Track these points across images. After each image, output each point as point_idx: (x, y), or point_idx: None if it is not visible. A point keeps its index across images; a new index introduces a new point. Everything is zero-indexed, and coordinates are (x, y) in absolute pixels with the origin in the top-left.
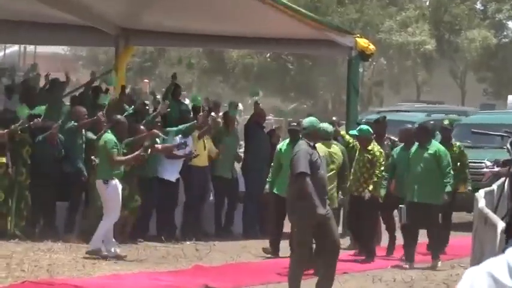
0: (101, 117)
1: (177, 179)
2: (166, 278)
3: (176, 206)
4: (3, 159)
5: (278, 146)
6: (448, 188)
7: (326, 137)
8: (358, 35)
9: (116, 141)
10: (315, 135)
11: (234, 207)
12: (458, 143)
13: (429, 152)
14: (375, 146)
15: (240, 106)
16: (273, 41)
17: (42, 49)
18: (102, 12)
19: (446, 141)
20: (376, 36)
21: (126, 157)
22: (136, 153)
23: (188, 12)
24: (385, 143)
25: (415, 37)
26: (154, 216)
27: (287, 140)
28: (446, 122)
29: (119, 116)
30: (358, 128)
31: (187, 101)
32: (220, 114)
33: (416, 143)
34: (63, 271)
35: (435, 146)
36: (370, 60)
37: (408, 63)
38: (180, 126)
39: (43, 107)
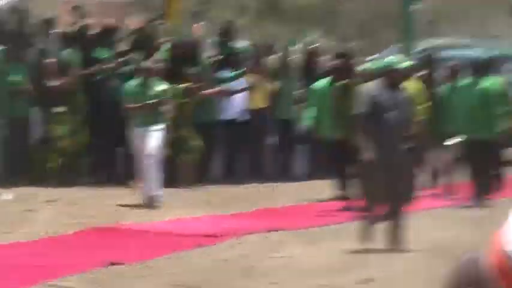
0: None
1: (245, 120)
2: (230, 222)
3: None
4: (64, 109)
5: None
6: (504, 126)
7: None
8: None
9: (134, 88)
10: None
11: (294, 149)
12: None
13: (481, 86)
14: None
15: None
16: None
17: None
18: None
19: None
20: None
21: (135, 106)
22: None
23: None
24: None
25: None
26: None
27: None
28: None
29: (148, 63)
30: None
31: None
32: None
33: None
34: (129, 216)
35: (489, 80)
36: None
37: None
38: (231, 74)
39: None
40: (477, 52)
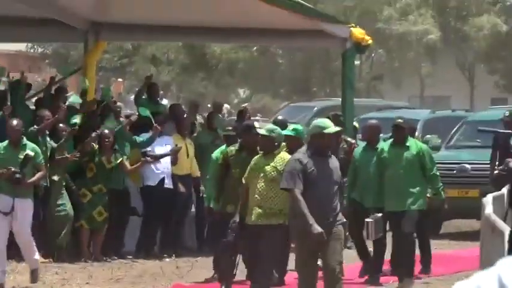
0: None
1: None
2: None
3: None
4: None
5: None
6: (442, 195)
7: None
8: (354, 25)
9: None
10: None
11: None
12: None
13: (410, 151)
14: None
15: (226, 107)
16: (260, 33)
17: (4, 46)
18: (69, 5)
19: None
20: (374, 26)
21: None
22: None
23: (165, 2)
24: (341, 145)
25: (418, 26)
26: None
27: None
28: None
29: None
30: (292, 128)
31: (165, 101)
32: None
33: (382, 142)
34: None
35: (416, 143)
36: (366, 52)
37: (410, 55)
38: (143, 139)
39: None
40: (423, 114)
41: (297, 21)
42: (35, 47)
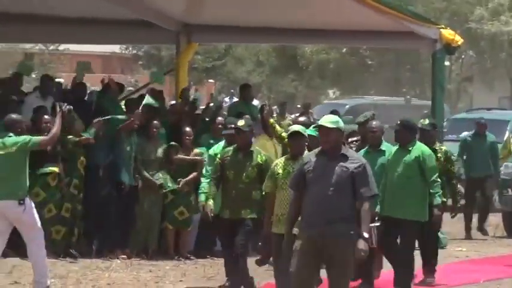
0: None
1: None
2: None
3: None
4: (56, 169)
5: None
6: (437, 200)
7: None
8: (443, 26)
9: None
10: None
11: None
12: (444, 148)
13: (411, 155)
14: None
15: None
16: (350, 34)
17: (98, 48)
18: (162, 7)
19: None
20: (464, 27)
21: None
22: None
23: (256, 4)
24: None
25: (509, 26)
26: None
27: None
28: (425, 122)
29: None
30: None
31: (255, 102)
32: (292, 116)
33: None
34: None
35: (419, 147)
36: (456, 53)
37: (502, 56)
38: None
39: None
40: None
41: (387, 23)
42: (129, 48)
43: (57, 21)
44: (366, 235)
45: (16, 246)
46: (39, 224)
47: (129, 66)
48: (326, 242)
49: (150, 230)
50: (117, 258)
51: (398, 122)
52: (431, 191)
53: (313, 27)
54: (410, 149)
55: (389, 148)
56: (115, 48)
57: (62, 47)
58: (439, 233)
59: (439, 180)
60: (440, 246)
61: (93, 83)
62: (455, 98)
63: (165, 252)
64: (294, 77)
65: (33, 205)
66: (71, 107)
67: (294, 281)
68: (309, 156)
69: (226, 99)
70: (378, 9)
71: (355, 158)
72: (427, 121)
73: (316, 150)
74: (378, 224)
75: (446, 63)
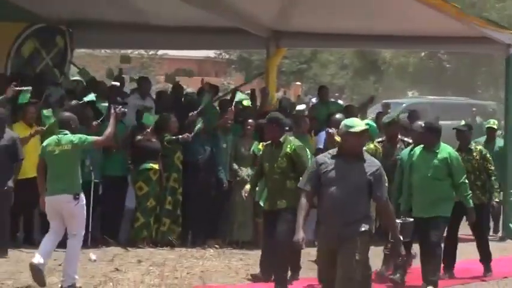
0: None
1: None
2: None
3: None
4: (157, 166)
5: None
6: (470, 203)
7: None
8: None
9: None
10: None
11: None
12: (479, 147)
13: (438, 157)
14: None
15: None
16: (428, 39)
17: (194, 53)
18: (253, 15)
19: (463, 145)
20: None
21: None
22: None
23: (339, 12)
24: (398, 146)
25: None
26: None
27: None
28: (461, 123)
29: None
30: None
31: (340, 102)
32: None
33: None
34: (216, 278)
35: (445, 149)
36: None
37: None
38: None
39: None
40: None
41: (462, 28)
42: (222, 53)
43: (158, 30)
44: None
45: (116, 236)
46: (85, 221)
47: (223, 69)
48: (341, 241)
49: (243, 223)
50: (211, 248)
51: (423, 125)
52: (463, 194)
53: (393, 34)
54: (436, 151)
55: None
56: (210, 53)
57: (161, 52)
58: (510, 224)
59: (467, 181)
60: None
61: (189, 85)
62: None
63: (256, 242)
64: (375, 79)
65: (84, 201)
66: (126, 109)
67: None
68: (324, 157)
69: (313, 99)
70: (454, 15)
71: (372, 160)
72: (462, 122)
73: (332, 151)
74: (407, 219)
75: None
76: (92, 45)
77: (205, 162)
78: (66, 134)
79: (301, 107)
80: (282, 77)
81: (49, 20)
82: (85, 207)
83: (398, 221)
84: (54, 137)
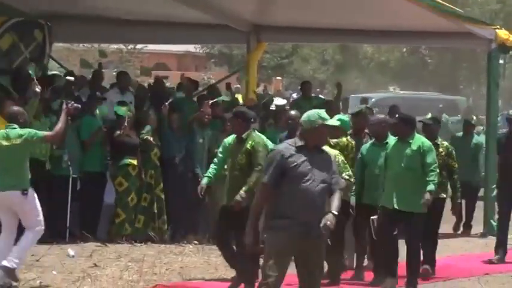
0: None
1: None
2: None
3: None
4: (135, 162)
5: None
6: (431, 187)
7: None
8: (499, 27)
9: None
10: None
11: None
12: (445, 143)
13: (412, 147)
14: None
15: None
16: (410, 34)
17: (174, 48)
18: (233, 9)
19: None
20: None
21: None
22: None
23: (321, 6)
24: (364, 139)
25: None
26: None
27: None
28: (428, 117)
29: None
30: (337, 118)
31: (321, 97)
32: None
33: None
34: (195, 274)
35: (419, 140)
36: (511, 52)
37: None
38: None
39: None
40: None
41: (444, 24)
42: (202, 47)
43: (137, 24)
44: (335, 213)
45: (94, 231)
46: (41, 215)
47: (203, 64)
48: (309, 242)
49: None
50: (190, 244)
51: (397, 116)
52: (426, 178)
53: (375, 28)
54: (410, 141)
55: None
56: (189, 47)
57: (139, 46)
58: (491, 221)
59: (437, 170)
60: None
61: (169, 80)
62: (509, 95)
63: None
64: (357, 74)
65: (35, 196)
66: (79, 105)
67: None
68: (289, 149)
69: (294, 95)
70: (435, 11)
71: (328, 150)
72: (429, 115)
73: (292, 141)
74: (375, 217)
75: (501, 61)
76: (71, 39)
77: (183, 157)
78: (15, 128)
79: (281, 101)
80: (262, 72)
81: (28, 14)
82: (37, 202)
83: (373, 217)
84: (2, 131)
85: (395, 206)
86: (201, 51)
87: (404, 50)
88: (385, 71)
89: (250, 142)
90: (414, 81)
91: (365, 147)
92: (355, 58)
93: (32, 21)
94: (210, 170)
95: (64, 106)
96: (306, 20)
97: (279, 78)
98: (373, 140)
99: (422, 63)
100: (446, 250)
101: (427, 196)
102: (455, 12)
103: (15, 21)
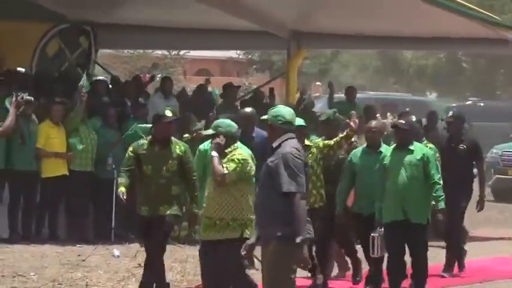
0: None
1: None
2: None
3: None
4: None
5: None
6: (442, 205)
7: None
8: None
9: None
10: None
11: None
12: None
13: (415, 155)
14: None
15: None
16: (447, 41)
17: (216, 54)
18: (274, 16)
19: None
20: None
21: None
22: None
23: (360, 14)
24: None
25: None
26: None
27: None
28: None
29: None
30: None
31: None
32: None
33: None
34: None
35: (421, 148)
36: None
37: None
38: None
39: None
40: None
41: (481, 30)
42: (244, 53)
43: (180, 31)
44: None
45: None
46: None
47: (244, 69)
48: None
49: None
50: None
51: (399, 122)
52: (434, 194)
53: (413, 35)
54: (411, 148)
55: (388, 150)
56: (231, 53)
57: (183, 52)
58: None
59: (441, 183)
60: None
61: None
62: None
63: None
64: (395, 79)
65: None
66: (31, 98)
67: None
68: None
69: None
70: (472, 18)
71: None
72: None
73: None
74: (381, 231)
75: None
76: (116, 45)
77: None
78: None
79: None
80: (302, 78)
81: (74, 20)
82: None
83: (374, 234)
84: None
85: (403, 217)
86: (242, 57)
87: (442, 55)
88: (423, 76)
89: (178, 147)
90: (451, 87)
91: (355, 154)
92: (394, 64)
93: (77, 28)
94: None
95: (13, 99)
96: (345, 27)
97: (318, 83)
98: (364, 146)
99: (460, 68)
100: (491, 252)
101: (440, 217)
102: (493, 20)
103: (62, 28)
